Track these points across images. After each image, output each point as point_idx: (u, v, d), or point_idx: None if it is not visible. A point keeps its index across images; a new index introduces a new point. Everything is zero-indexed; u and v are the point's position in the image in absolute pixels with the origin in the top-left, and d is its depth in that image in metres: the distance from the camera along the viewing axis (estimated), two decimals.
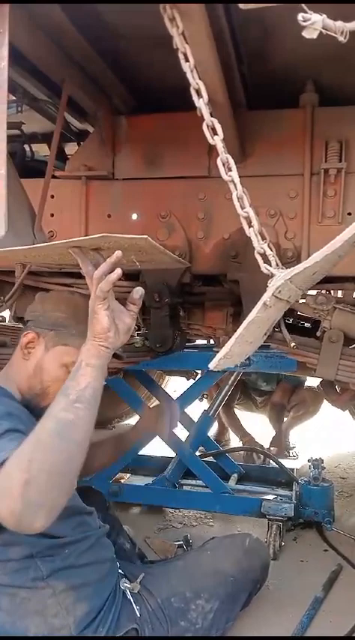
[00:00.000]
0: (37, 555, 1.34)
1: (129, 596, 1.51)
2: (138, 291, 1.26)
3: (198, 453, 2.85)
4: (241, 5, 0.92)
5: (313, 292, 1.96)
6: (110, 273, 1.13)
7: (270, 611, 1.95)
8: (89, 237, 1.13)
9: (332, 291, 2.16)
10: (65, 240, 1.12)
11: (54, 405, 1.13)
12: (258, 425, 4.09)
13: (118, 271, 1.14)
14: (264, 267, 1.19)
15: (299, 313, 2.12)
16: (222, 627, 1.64)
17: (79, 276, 1.98)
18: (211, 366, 1.19)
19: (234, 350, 1.17)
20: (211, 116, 1.14)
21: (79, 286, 2.02)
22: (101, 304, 1.15)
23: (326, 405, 3.51)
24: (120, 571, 1.59)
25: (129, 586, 1.53)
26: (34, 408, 1.40)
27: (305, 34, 0.89)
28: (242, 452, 3.47)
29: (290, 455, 3.82)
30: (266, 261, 1.20)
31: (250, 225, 1.20)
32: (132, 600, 1.50)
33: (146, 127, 2.03)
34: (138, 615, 1.49)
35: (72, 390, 1.13)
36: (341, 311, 1.88)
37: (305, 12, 0.88)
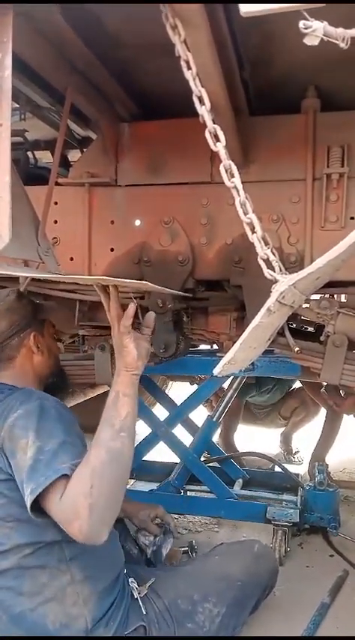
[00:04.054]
0: (64, 539, 1.38)
1: (136, 595, 1.54)
2: (151, 316, 1.46)
3: (202, 459, 2.85)
4: (242, 12, 0.92)
5: (316, 297, 1.96)
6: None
7: (276, 616, 1.94)
8: (93, 278, 1.23)
9: (335, 296, 2.16)
10: (68, 275, 1.18)
11: (102, 435, 1.31)
12: (259, 432, 4.08)
13: (134, 306, 1.33)
14: (267, 272, 1.19)
15: (302, 318, 2.12)
16: (230, 633, 1.63)
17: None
18: (216, 371, 1.19)
19: (238, 356, 1.17)
20: (213, 123, 1.15)
21: (83, 292, 2.02)
22: (128, 337, 1.35)
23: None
24: (125, 572, 1.62)
25: (137, 587, 1.56)
26: (53, 376, 1.71)
27: (307, 41, 0.89)
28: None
29: (295, 460, 3.80)
30: (270, 266, 1.20)
31: (253, 231, 1.20)
32: (139, 600, 1.53)
33: (148, 134, 2.03)
34: (145, 613, 1.52)
35: (116, 420, 1.32)
36: (344, 315, 1.88)
37: (307, 19, 0.88)
